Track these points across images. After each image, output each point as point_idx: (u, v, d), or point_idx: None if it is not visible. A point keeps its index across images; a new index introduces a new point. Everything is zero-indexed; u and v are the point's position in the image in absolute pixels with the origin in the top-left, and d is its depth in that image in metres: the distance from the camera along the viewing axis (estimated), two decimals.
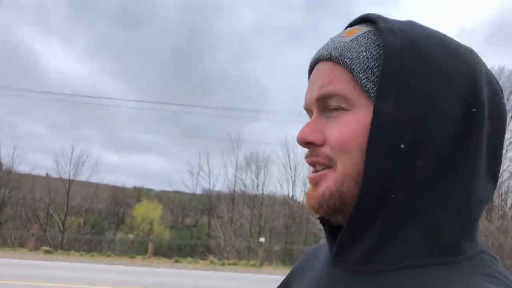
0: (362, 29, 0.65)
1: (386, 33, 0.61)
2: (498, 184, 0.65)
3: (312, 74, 0.67)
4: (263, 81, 58.01)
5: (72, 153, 27.73)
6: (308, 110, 0.68)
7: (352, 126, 0.60)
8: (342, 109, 0.62)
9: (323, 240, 0.79)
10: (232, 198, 30.61)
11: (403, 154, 0.57)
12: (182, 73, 53.38)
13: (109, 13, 56.74)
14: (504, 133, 0.63)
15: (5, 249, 17.67)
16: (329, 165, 0.63)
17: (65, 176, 27.38)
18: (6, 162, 29.21)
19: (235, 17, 59.12)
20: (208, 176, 31.80)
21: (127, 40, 56.12)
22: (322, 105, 0.64)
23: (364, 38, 0.63)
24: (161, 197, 41.46)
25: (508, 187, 24.93)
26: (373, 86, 0.60)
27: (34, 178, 29.51)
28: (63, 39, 56.91)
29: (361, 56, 0.61)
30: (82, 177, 28.54)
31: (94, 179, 29.53)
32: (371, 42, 0.63)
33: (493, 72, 0.64)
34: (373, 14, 0.66)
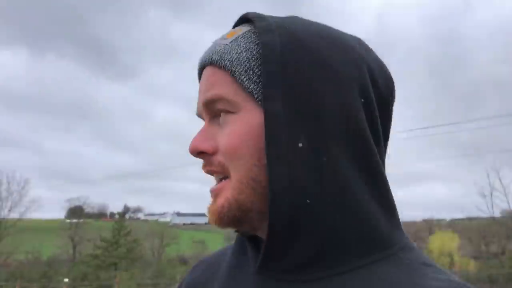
0: (242, 29, 0.62)
1: (262, 32, 0.59)
2: None
3: (201, 80, 0.64)
4: None
5: None
6: (200, 117, 0.65)
7: (240, 130, 0.57)
8: (229, 112, 0.59)
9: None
10: None
11: (304, 153, 0.54)
12: (445, 88, 50.11)
13: None
14: (391, 120, 0.64)
15: None
16: (224, 173, 0.59)
17: None
18: None
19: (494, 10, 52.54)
20: (505, 195, 28.02)
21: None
22: (211, 111, 0.61)
23: (244, 38, 0.60)
24: (454, 226, 38.52)
25: None
26: (256, 87, 0.57)
27: None
28: None
29: (241, 57, 0.59)
30: None
31: None
32: (251, 41, 0.60)
33: None
34: (252, 13, 0.62)
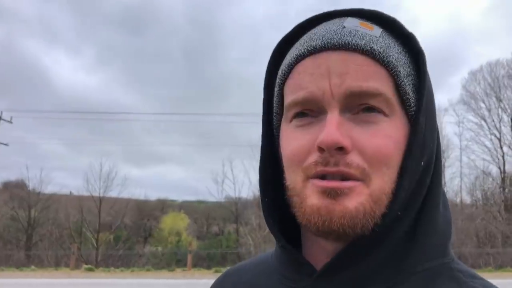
0: (374, 27, 0.57)
1: (414, 39, 0.57)
2: None
3: (326, 60, 0.54)
4: None
5: (101, 170, 27.95)
6: (311, 102, 0.54)
7: (395, 137, 0.53)
8: (381, 113, 0.53)
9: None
10: (258, 204, 30.58)
11: (421, 172, 0.55)
12: (196, 77, 53.49)
13: (113, 20, 56.86)
14: None
15: (48, 269, 17.88)
16: (360, 178, 0.52)
17: (94, 193, 27.63)
18: (34, 183, 29.67)
19: (246, 10, 58.74)
20: (233, 183, 31.89)
21: (135, 47, 56.39)
22: (348, 103, 0.53)
23: (388, 38, 0.57)
24: (185, 207, 41.59)
25: None
26: (412, 95, 0.56)
27: (62, 197, 29.89)
28: (70, 51, 57.44)
29: (401, 59, 0.55)
30: (111, 193, 28.82)
31: (119, 194, 29.77)
32: (398, 45, 0.57)
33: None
34: (389, 15, 0.58)
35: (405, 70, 0.55)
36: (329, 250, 0.57)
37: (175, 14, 58.19)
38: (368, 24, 0.57)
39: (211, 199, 34.82)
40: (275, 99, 0.63)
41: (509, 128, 27.55)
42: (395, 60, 0.54)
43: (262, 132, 0.65)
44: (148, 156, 53.60)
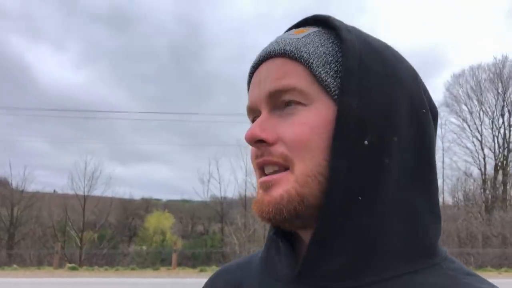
0: (310, 28, 0.63)
1: (342, 30, 0.60)
2: None
3: (259, 72, 0.63)
4: None
5: (85, 168, 27.72)
6: (254, 109, 0.63)
7: (312, 122, 0.56)
8: (299, 104, 0.58)
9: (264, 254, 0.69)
10: (244, 203, 30.67)
11: (367, 151, 0.55)
12: (183, 75, 53.17)
13: (99, 16, 56.15)
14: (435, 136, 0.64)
15: (30, 268, 17.69)
16: (284, 165, 0.57)
17: (79, 192, 27.39)
18: (17, 181, 29.29)
19: (233, 9, 58.19)
20: (219, 183, 31.88)
21: (121, 44, 55.82)
22: (274, 102, 0.60)
23: (316, 35, 0.62)
24: (170, 206, 41.47)
25: None
26: (333, 81, 0.58)
27: (45, 196, 29.55)
28: (54, 48, 56.62)
29: (318, 51, 0.59)
30: (96, 192, 28.59)
31: (103, 193, 29.54)
32: (325, 39, 0.61)
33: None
34: (322, 15, 0.65)
35: (322, 60, 0.59)
36: (306, 242, 0.59)
37: (162, 12, 57.82)
38: (303, 29, 0.64)
39: (196, 198, 34.86)
40: None
41: (490, 130, 28.17)
42: (308, 54, 0.59)
43: None
44: (133, 154, 53.30)
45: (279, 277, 0.62)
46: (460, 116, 28.74)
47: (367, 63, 0.58)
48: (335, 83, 0.58)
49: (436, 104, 0.64)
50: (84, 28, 52.83)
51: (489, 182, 27.44)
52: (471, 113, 28.40)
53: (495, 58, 28.45)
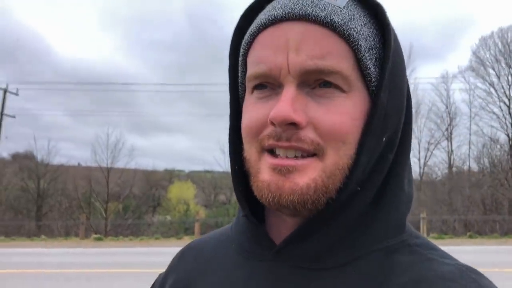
0: None
1: (384, 13, 0.54)
2: None
3: (285, 32, 0.53)
4: None
5: (108, 141, 28.06)
6: (270, 77, 0.53)
7: (353, 113, 0.52)
8: (338, 89, 0.52)
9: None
10: None
11: (382, 147, 0.54)
12: (200, 42, 52.56)
13: None
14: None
15: (58, 238, 18.24)
16: (313, 153, 0.52)
17: (102, 164, 27.83)
18: (42, 155, 29.95)
19: None
20: None
21: (137, 10, 55.34)
22: (305, 78, 0.52)
23: (354, 8, 0.54)
24: (192, 177, 41.97)
25: None
26: (374, 70, 0.54)
27: (70, 168, 30.19)
28: (70, 19, 56.39)
29: (363, 32, 0.53)
30: (119, 164, 29.01)
31: (127, 165, 29.98)
32: (364, 16, 0.55)
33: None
34: None
35: (368, 43, 0.53)
36: (289, 224, 0.57)
37: None
38: None
39: (218, 169, 35.08)
40: (240, 68, 0.61)
41: None
42: (357, 33, 0.52)
43: (230, 101, 0.63)
44: (154, 125, 53.79)
45: (254, 256, 0.59)
46: (486, 81, 27.73)
47: (397, 56, 0.55)
48: (375, 73, 0.54)
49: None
50: None
51: None
52: (498, 77, 27.33)
53: None
